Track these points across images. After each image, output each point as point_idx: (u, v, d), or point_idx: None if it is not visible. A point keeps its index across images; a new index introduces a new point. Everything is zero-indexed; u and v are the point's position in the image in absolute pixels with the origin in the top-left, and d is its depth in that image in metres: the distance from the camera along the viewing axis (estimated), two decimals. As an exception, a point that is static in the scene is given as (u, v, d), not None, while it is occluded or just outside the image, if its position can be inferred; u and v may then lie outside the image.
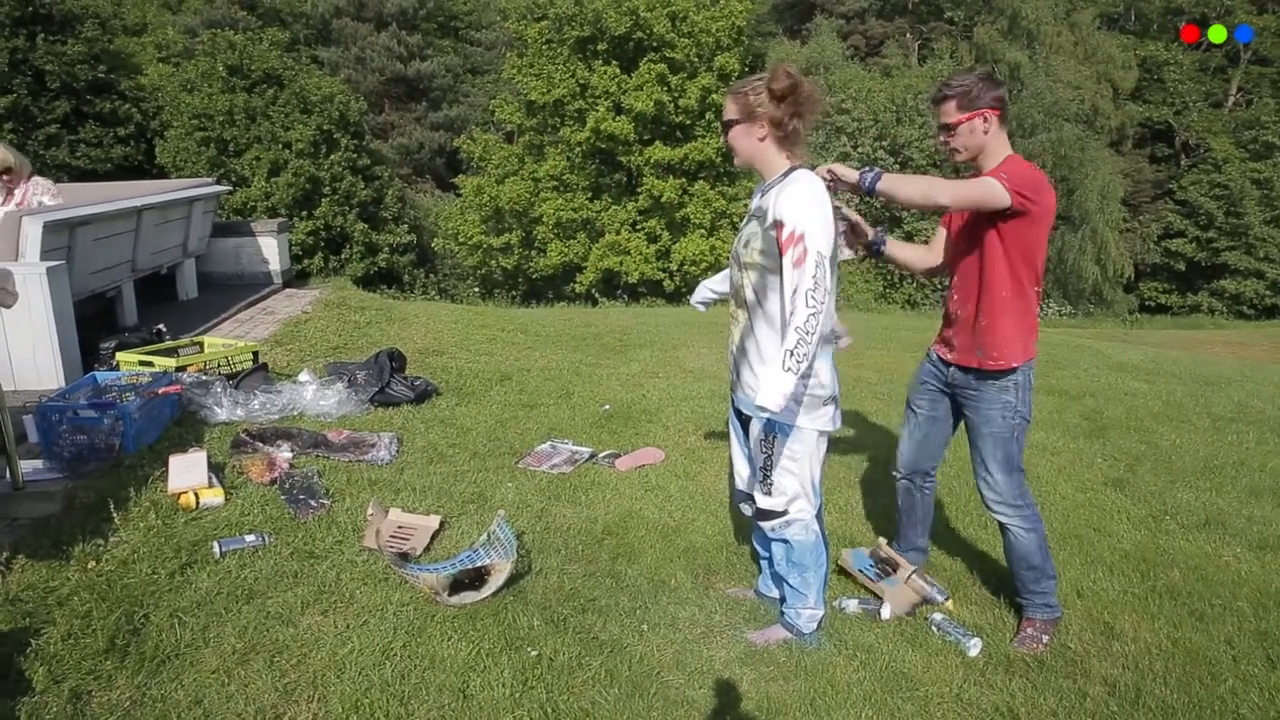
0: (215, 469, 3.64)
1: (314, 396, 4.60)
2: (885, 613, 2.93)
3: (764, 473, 2.62)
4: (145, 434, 3.87)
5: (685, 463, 4.31)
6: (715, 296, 3.10)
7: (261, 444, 3.97)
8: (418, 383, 4.98)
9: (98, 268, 5.57)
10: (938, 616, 2.91)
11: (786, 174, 2.51)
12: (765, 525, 2.70)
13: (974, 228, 2.73)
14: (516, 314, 9.24)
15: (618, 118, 19.42)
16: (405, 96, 31.98)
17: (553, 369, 6.05)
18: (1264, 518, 3.92)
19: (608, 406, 5.18)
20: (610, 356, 6.68)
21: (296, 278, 9.16)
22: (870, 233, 2.90)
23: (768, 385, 2.32)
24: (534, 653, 2.61)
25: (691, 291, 3.23)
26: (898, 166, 22.72)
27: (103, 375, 4.32)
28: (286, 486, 3.57)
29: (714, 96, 19.09)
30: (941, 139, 2.77)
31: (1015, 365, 2.73)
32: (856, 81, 24.53)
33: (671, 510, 3.73)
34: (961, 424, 2.99)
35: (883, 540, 3.28)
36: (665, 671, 2.60)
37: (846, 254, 2.86)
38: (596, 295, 19.75)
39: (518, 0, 21.13)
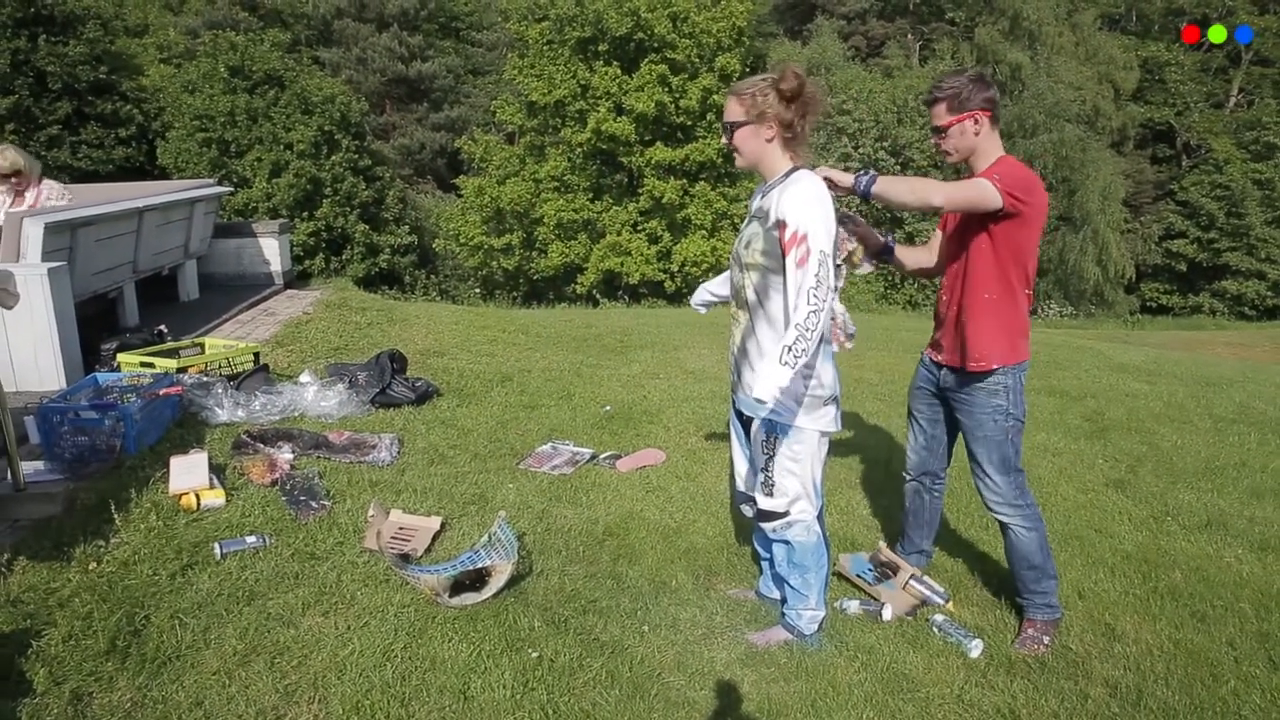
0: (216, 470, 3.64)
1: (315, 397, 4.60)
2: (887, 614, 2.92)
3: (765, 474, 2.62)
4: (146, 435, 3.87)
5: (686, 464, 4.31)
6: (715, 299, 3.10)
7: (262, 445, 3.97)
8: (419, 384, 4.98)
9: (99, 269, 5.58)
10: (939, 618, 2.91)
11: (788, 174, 2.51)
12: (767, 526, 2.70)
13: (965, 229, 2.73)
14: (517, 315, 9.24)
15: (619, 118, 19.44)
16: (406, 97, 32.00)
17: (554, 370, 6.05)
18: (1265, 519, 3.91)
19: (609, 408, 5.18)
20: (611, 357, 6.68)
21: (298, 279, 9.17)
22: (880, 240, 2.91)
23: (763, 378, 2.32)
24: (535, 654, 2.61)
25: (692, 292, 3.23)
26: (899, 167, 22.73)
27: (104, 376, 4.32)
28: (287, 488, 3.57)
29: (715, 97, 19.11)
30: (933, 141, 2.77)
31: (994, 367, 2.72)
32: (858, 82, 24.54)
33: (672, 511, 3.73)
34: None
35: (882, 544, 3.28)
36: (666, 673, 2.60)
37: (867, 268, 2.88)
38: (597, 296, 19.76)
39: (519, 1, 21.15)
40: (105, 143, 19.46)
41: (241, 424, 4.29)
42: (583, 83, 19.90)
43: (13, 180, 5.30)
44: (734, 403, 2.80)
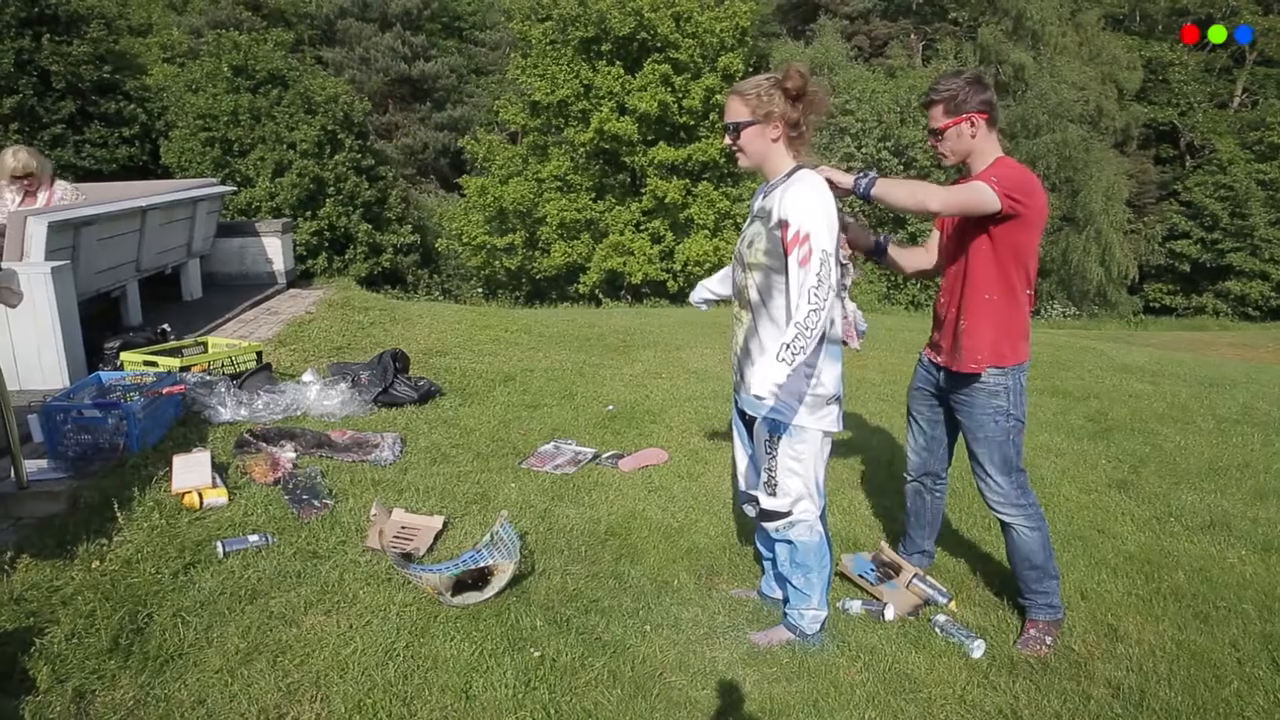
0: (219, 469, 3.64)
1: (318, 397, 4.60)
2: (889, 614, 2.92)
3: (768, 473, 2.62)
4: (149, 434, 3.87)
5: (688, 463, 4.31)
6: (714, 297, 3.09)
7: (265, 444, 3.97)
8: (421, 383, 4.98)
9: (102, 268, 5.58)
10: (941, 618, 2.90)
11: (790, 174, 2.51)
12: (769, 526, 2.70)
13: (965, 230, 2.72)
14: (520, 314, 9.25)
15: (621, 118, 19.44)
16: (409, 97, 32.04)
17: (556, 369, 6.05)
18: (1269, 520, 3.91)
19: (611, 407, 5.18)
20: (614, 357, 6.68)
21: (300, 278, 9.18)
22: (870, 239, 2.90)
23: (761, 374, 2.32)
24: (537, 653, 2.61)
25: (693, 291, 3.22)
26: (901, 167, 22.71)
27: (107, 375, 4.33)
28: (290, 486, 3.57)
29: (718, 97, 19.10)
30: (930, 143, 2.77)
31: (992, 368, 2.72)
32: (860, 82, 24.52)
33: (675, 511, 3.73)
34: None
35: (884, 543, 3.28)
36: (668, 672, 2.60)
37: (852, 273, 2.84)
38: (600, 296, 19.78)
39: (522, 1, 21.15)
40: (109, 142, 19.50)
41: (244, 423, 4.30)
42: (585, 82, 19.91)
43: (24, 182, 5.32)
44: (736, 402, 2.80)
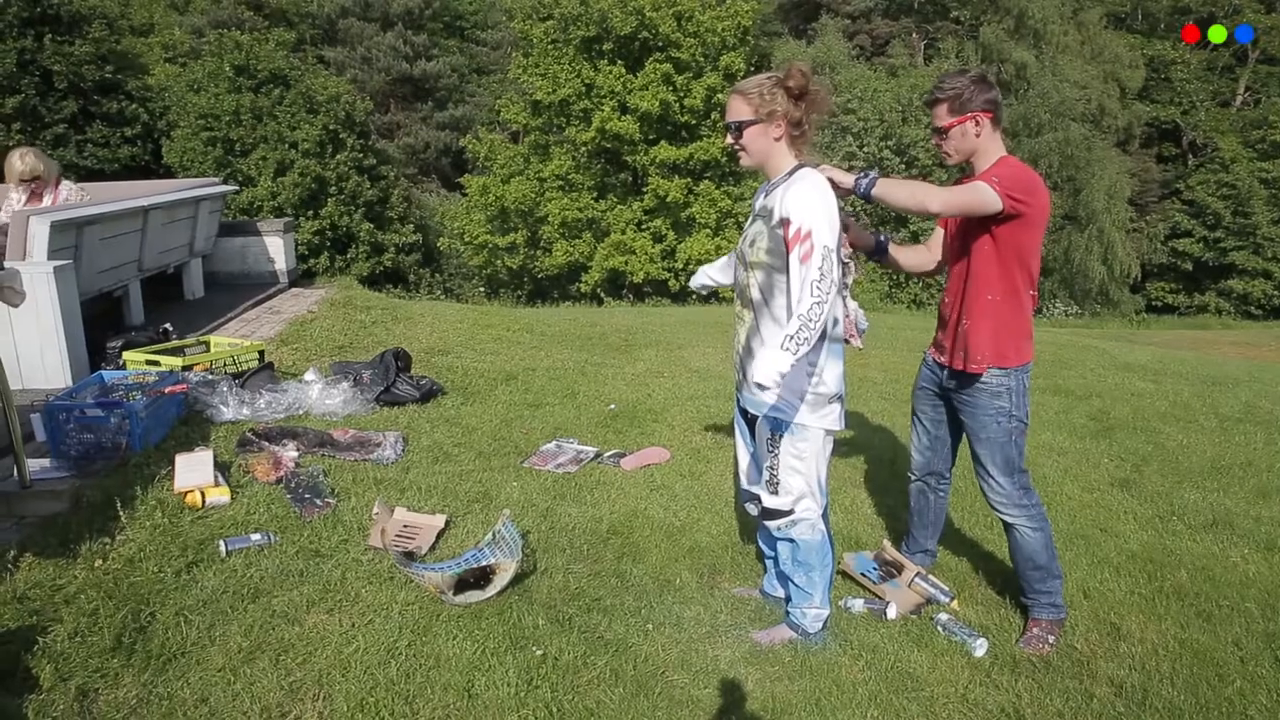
0: (221, 468, 3.65)
1: (320, 395, 4.61)
2: (891, 613, 2.92)
3: (770, 472, 2.62)
4: (151, 433, 3.88)
5: (690, 462, 4.31)
6: (712, 284, 3.09)
7: (267, 443, 3.98)
8: (423, 382, 4.99)
9: (104, 267, 5.59)
10: (943, 617, 2.90)
11: (792, 172, 2.50)
12: (771, 524, 2.69)
13: (968, 230, 2.72)
14: (522, 313, 9.25)
15: (623, 117, 19.43)
16: (411, 96, 32.04)
17: (558, 368, 6.05)
18: (1272, 518, 3.90)
19: (613, 406, 5.18)
20: (615, 356, 6.68)
21: (302, 277, 9.18)
22: (872, 241, 2.89)
23: (764, 363, 2.31)
24: (539, 652, 2.61)
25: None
26: (903, 166, 22.69)
27: (109, 374, 4.33)
28: (292, 485, 3.58)
29: (719, 96, 19.08)
30: (934, 142, 2.77)
31: (992, 368, 2.71)
32: (862, 81, 24.49)
33: (677, 510, 3.73)
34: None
35: (886, 542, 3.27)
36: (670, 671, 2.60)
37: (854, 272, 2.85)
38: (602, 295, 19.77)
39: (523, 0, 21.14)
40: (111, 142, 19.53)
41: (246, 422, 4.30)
42: (587, 82, 19.90)
43: (31, 183, 5.35)
44: (738, 401, 2.80)
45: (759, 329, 2.57)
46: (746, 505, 2.83)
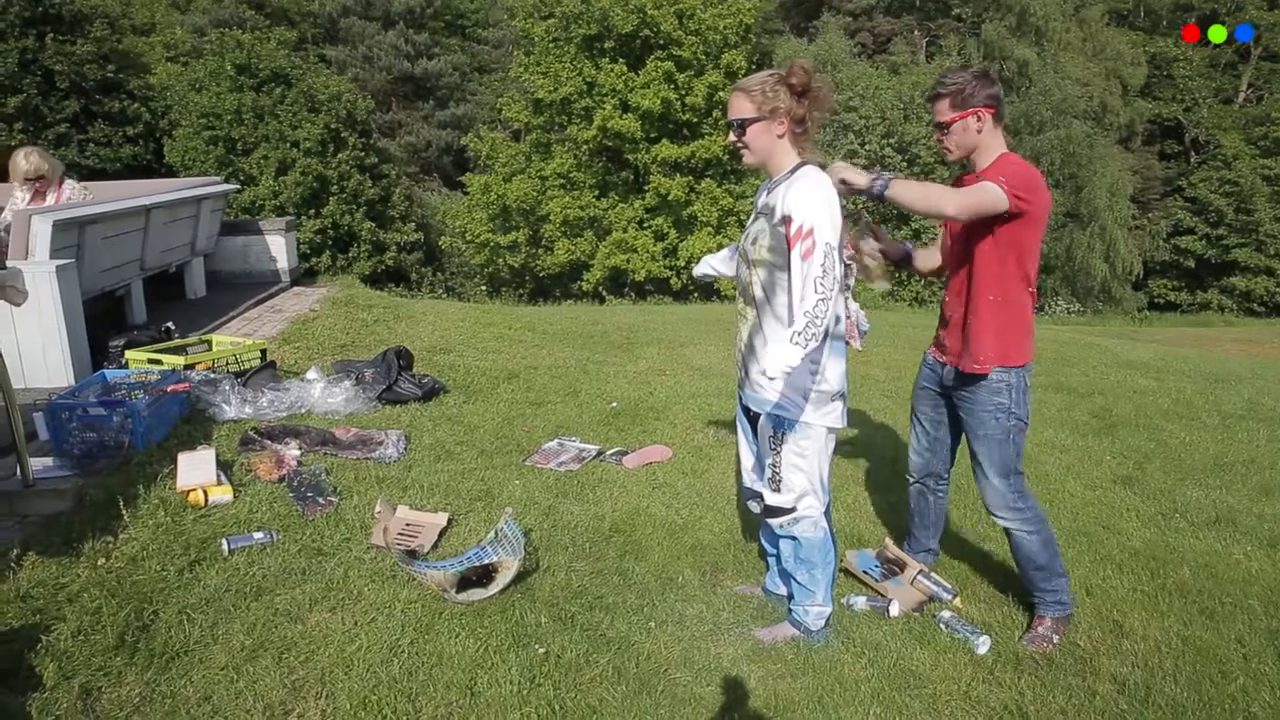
0: (224, 466, 3.65)
1: (322, 394, 4.61)
2: (894, 610, 2.92)
3: (773, 469, 2.62)
4: (154, 431, 3.88)
5: (693, 460, 4.31)
6: (714, 274, 3.09)
7: (269, 442, 3.98)
8: (425, 380, 4.99)
9: (107, 266, 5.60)
10: (946, 614, 2.90)
11: (794, 170, 2.50)
12: (774, 522, 2.69)
13: (970, 230, 2.71)
14: (523, 312, 9.25)
15: (625, 116, 19.44)
16: (412, 95, 32.05)
17: (560, 367, 6.05)
18: (1274, 515, 3.89)
19: (615, 404, 5.18)
20: (617, 354, 6.68)
21: (304, 276, 9.18)
22: (903, 249, 2.90)
23: (774, 354, 2.32)
24: (541, 650, 2.62)
25: (698, 287, 3.23)
26: (905, 164, 22.65)
27: (112, 373, 4.33)
28: (294, 484, 3.58)
29: (721, 94, 19.08)
30: (935, 137, 2.76)
31: (995, 368, 2.71)
32: (864, 79, 24.44)
33: (679, 508, 3.73)
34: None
35: (888, 540, 3.27)
36: (673, 669, 2.60)
37: (884, 285, 2.88)
38: (603, 293, 19.78)
39: (524, -1, 21.17)
40: (113, 141, 19.53)
41: (249, 420, 4.30)
42: (589, 80, 19.90)
43: (35, 183, 5.36)
44: (741, 399, 2.79)
45: (761, 326, 2.57)
46: (749, 503, 2.83)
